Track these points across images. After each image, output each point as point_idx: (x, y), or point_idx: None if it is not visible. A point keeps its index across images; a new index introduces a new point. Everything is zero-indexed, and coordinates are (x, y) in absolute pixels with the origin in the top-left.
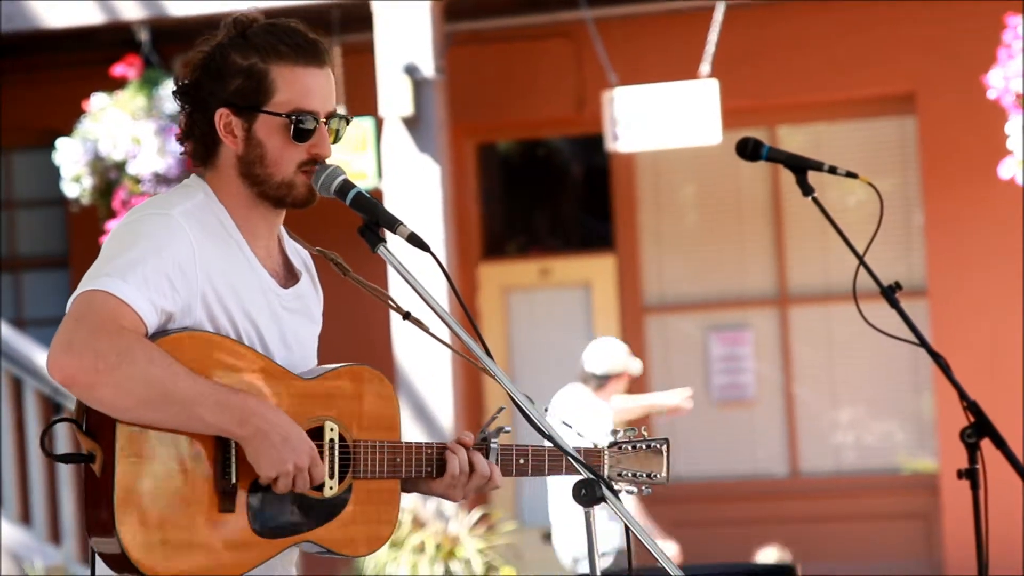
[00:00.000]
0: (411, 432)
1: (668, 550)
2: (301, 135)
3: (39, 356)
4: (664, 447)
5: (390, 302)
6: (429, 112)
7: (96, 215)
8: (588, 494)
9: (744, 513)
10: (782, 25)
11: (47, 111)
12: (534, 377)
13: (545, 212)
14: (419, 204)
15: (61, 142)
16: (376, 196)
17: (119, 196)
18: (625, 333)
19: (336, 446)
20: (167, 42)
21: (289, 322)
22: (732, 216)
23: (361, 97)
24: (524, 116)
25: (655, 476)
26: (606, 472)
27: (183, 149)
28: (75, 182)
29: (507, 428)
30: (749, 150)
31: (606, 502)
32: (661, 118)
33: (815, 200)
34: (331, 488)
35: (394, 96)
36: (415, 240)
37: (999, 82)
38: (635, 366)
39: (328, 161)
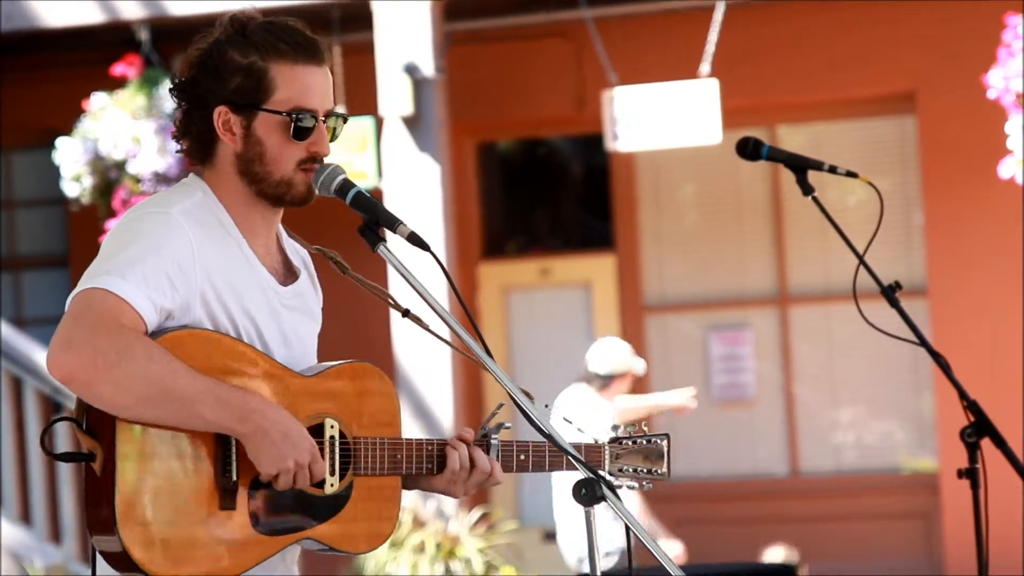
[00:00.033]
0: (411, 431)
1: (673, 550)
2: (300, 133)
3: (39, 355)
4: (665, 442)
5: (389, 300)
6: (429, 111)
7: (96, 214)
8: (588, 493)
9: (744, 513)
10: (782, 25)
11: (47, 110)
12: (534, 377)
13: (545, 212)
14: (419, 203)
15: (61, 141)
16: (376, 195)
17: (119, 195)
18: (625, 333)
19: (336, 443)
20: (167, 41)
21: (288, 319)
22: (732, 216)
23: (361, 96)
24: (524, 115)
25: (656, 471)
26: (607, 467)
27: (179, 147)
28: (75, 181)
29: (507, 424)
30: (749, 149)
31: (606, 501)
32: (661, 118)
33: (815, 200)
34: (332, 485)
35: (394, 95)
36: (415, 239)
37: (999, 82)
38: (639, 366)
39: (328, 160)
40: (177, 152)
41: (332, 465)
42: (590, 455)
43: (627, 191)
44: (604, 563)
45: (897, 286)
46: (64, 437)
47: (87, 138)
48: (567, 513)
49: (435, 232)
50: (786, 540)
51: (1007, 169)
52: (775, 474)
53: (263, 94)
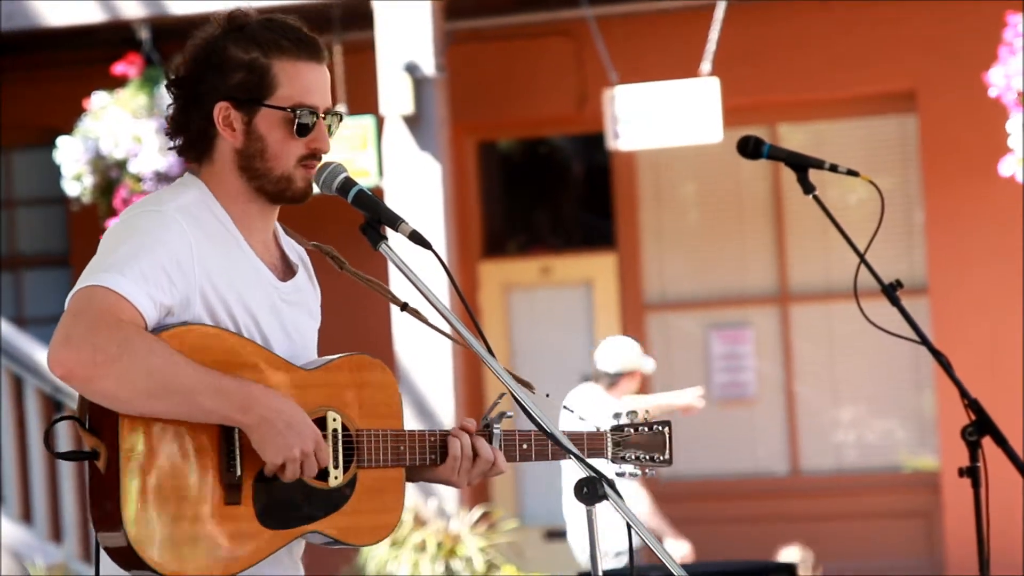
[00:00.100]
0: (411, 426)
1: (680, 550)
2: (302, 130)
3: (40, 354)
4: (666, 429)
5: (387, 293)
6: (430, 110)
7: (97, 213)
8: (590, 492)
9: (745, 511)
10: (783, 23)
11: (48, 109)
12: (535, 376)
13: (546, 210)
14: (420, 202)
15: (62, 140)
16: (377, 194)
17: (120, 194)
18: (626, 331)
19: (339, 436)
20: (168, 40)
21: (288, 314)
22: (733, 214)
23: (362, 95)
24: (525, 114)
25: (658, 458)
26: (610, 454)
27: (173, 144)
28: (76, 180)
29: (509, 413)
30: (750, 148)
31: (608, 500)
32: (662, 116)
33: (816, 198)
34: (336, 478)
35: (395, 94)
36: (417, 238)
37: (1000, 80)
38: (648, 365)
39: (328, 159)
40: (170, 149)
41: (336, 458)
42: (592, 443)
43: (628, 190)
44: (614, 563)
45: (898, 284)
46: (65, 436)
47: (88, 137)
48: (577, 512)
49: (436, 231)
50: (787, 539)
51: (1007, 167)
52: (776, 473)
53: (265, 90)
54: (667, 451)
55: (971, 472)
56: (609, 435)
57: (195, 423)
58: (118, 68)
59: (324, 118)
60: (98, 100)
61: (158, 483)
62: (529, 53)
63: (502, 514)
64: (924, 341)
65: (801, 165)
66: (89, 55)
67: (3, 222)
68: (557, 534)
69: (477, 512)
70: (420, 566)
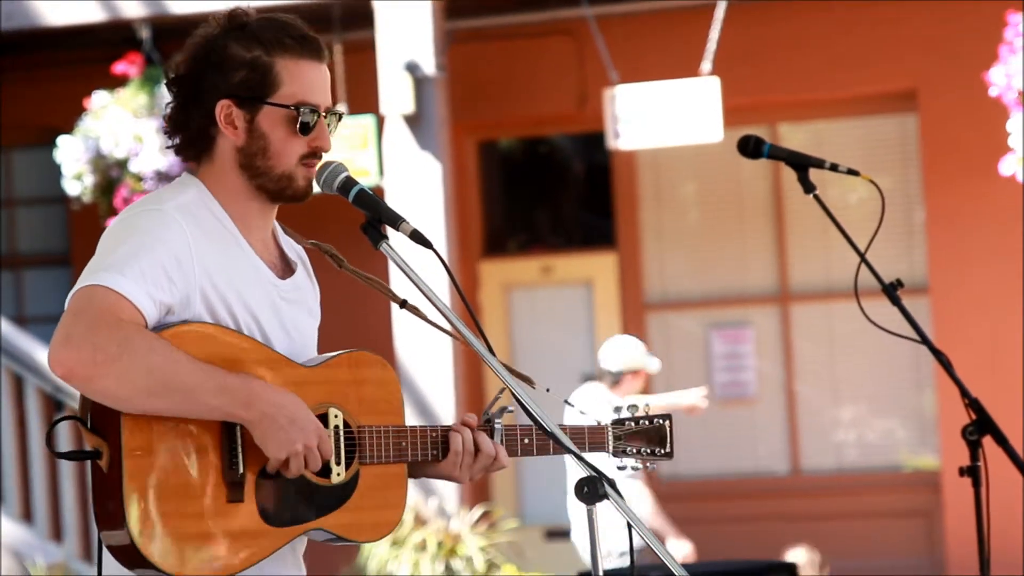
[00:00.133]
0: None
1: (682, 550)
2: (304, 128)
3: (40, 353)
4: (667, 423)
5: (386, 291)
6: (430, 109)
7: (97, 213)
8: (591, 492)
9: (745, 511)
10: (783, 23)
11: (48, 109)
12: (535, 375)
13: (546, 210)
14: (420, 201)
15: (62, 140)
16: (377, 193)
17: (120, 194)
18: (627, 331)
19: (341, 432)
20: (168, 40)
21: (288, 312)
22: (733, 213)
23: (362, 95)
24: (525, 113)
25: (659, 452)
26: (611, 448)
27: (171, 143)
28: (76, 180)
29: (510, 408)
30: (750, 148)
31: (609, 500)
32: (662, 116)
33: (816, 197)
34: (338, 475)
35: (395, 94)
36: (418, 237)
37: (1001, 79)
38: (652, 364)
39: (328, 158)
40: (168, 148)
41: (338, 455)
42: (593, 437)
43: (628, 189)
44: (619, 562)
45: (899, 284)
46: (66, 436)
47: (88, 136)
48: (581, 511)
49: (436, 230)
50: (787, 538)
51: (1008, 167)
52: (776, 472)
53: (268, 88)
54: (668, 444)
55: (972, 471)
56: (610, 429)
57: (197, 421)
58: (118, 67)
59: (325, 117)
60: (98, 99)
61: (161, 481)
62: (529, 52)
63: (502, 514)
64: (924, 340)
65: (801, 164)
66: (89, 54)
67: (3, 221)
68: (557, 534)
69: (477, 512)
70: (420, 566)
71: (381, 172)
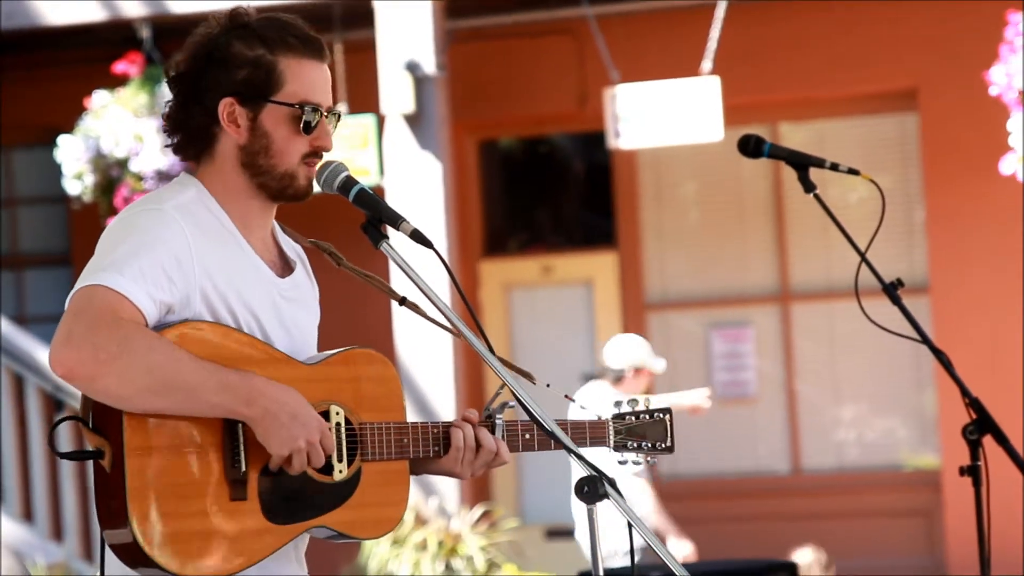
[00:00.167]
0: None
1: (683, 549)
2: (308, 127)
3: (41, 353)
4: (667, 416)
5: (386, 288)
6: (431, 109)
7: (98, 212)
8: (591, 491)
9: (746, 510)
10: (784, 22)
11: (48, 108)
12: (535, 375)
13: (547, 209)
14: (421, 201)
15: (63, 139)
16: (378, 193)
17: (121, 193)
18: (627, 330)
19: (343, 429)
20: (168, 39)
21: (288, 310)
22: (734, 213)
23: (363, 94)
24: (526, 113)
25: (660, 445)
26: (612, 442)
27: (170, 141)
28: (77, 179)
29: (511, 404)
30: (751, 147)
31: (609, 499)
32: (663, 115)
33: (817, 197)
34: (340, 472)
35: (396, 93)
36: (418, 237)
37: (1001, 78)
38: (657, 365)
39: (329, 157)
40: (167, 146)
41: (339, 451)
42: (594, 432)
43: (629, 188)
44: (623, 562)
45: (899, 283)
46: (67, 436)
47: (89, 136)
48: (584, 509)
49: (437, 229)
50: (788, 537)
51: (1008, 166)
52: (777, 471)
53: (272, 87)
54: (669, 438)
55: (972, 471)
56: (611, 423)
57: (199, 419)
58: (119, 67)
59: (326, 117)
60: (99, 99)
61: (163, 480)
62: (530, 52)
63: (503, 513)
64: (925, 340)
65: (802, 164)
66: (90, 54)
67: (4, 221)
68: (558, 533)
69: (478, 511)
70: (421, 565)
71: (381, 171)
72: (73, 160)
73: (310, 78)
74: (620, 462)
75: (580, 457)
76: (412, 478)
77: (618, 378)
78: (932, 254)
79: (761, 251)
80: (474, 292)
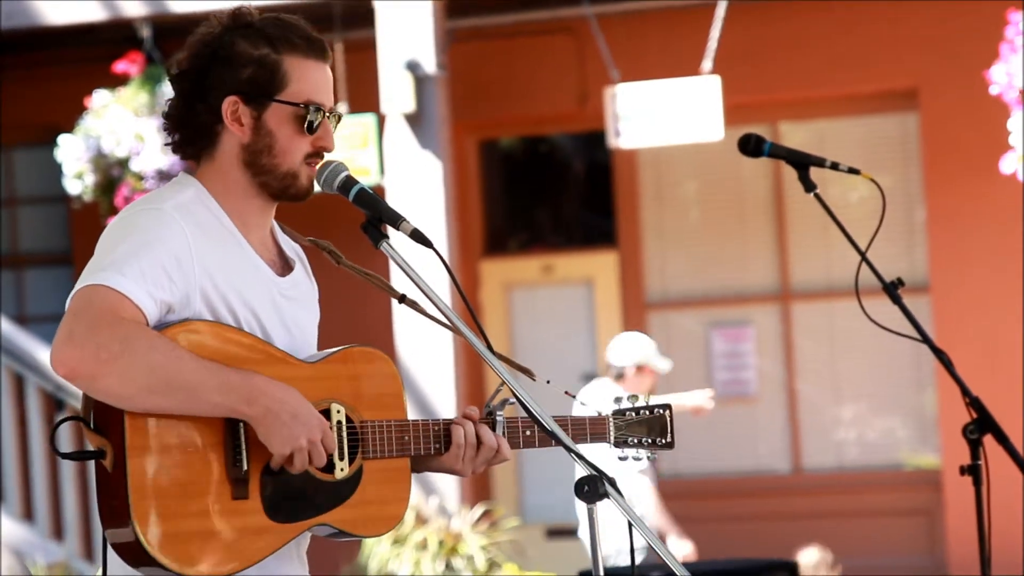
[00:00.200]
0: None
1: (683, 549)
2: (311, 127)
3: (41, 353)
4: (667, 412)
5: (385, 286)
6: (431, 108)
7: (98, 212)
8: (591, 491)
9: (746, 509)
10: (784, 22)
11: (49, 108)
12: (536, 374)
13: (547, 209)
14: (421, 200)
15: (63, 139)
16: (378, 193)
17: (122, 193)
18: (627, 329)
19: (344, 428)
20: (169, 39)
21: (288, 309)
22: (734, 212)
23: (363, 94)
24: (526, 112)
25: (660, 441)
26: (612, 438)
27: (171, 139)
28: (77, 179)
29: (511, 400)
30: (751, 146)
31: (609, 498)
32: (663, 114)
33: (817, 196)
34: (342, 470)
35: (396, 92)
36: (418, 236)
37: (1002, 78)
38: (661, 364)
39: (330, 157)
40: (167, 145)
41: (341, 450)
42: (595, 428)
43: (629, 188)
44: (627, 561)
45: (899, 282)
46: (68, 436)
47: (89, 135)
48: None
49: (437, 229)
50: (788, 537)
51: (1009, 165)
52: (777, 471)
53: (277, 86)
54: (669, 434)
55: (972, 470)
56: (611, 419)
57: (200, 418)
58: (119, 66)
59: (328, 117)
60: (99, 98)
61: (165, 479)
62: (530, 51)
63: (503, 512)
64: (925, 339)
65: (802, 163)
66: (90, 53)
67: (4, 220)
68: (558, 532)
69: (478, 510)
70: (421, 564)
71: (382, 171)
72: (74, 160)
73: (314, 78)
74: (620, 458)
75: (579, 456)
76: (413, 476)
77: (619, 375)
78: (932, 254)
79: (761, 250)
80: (474, 292)
